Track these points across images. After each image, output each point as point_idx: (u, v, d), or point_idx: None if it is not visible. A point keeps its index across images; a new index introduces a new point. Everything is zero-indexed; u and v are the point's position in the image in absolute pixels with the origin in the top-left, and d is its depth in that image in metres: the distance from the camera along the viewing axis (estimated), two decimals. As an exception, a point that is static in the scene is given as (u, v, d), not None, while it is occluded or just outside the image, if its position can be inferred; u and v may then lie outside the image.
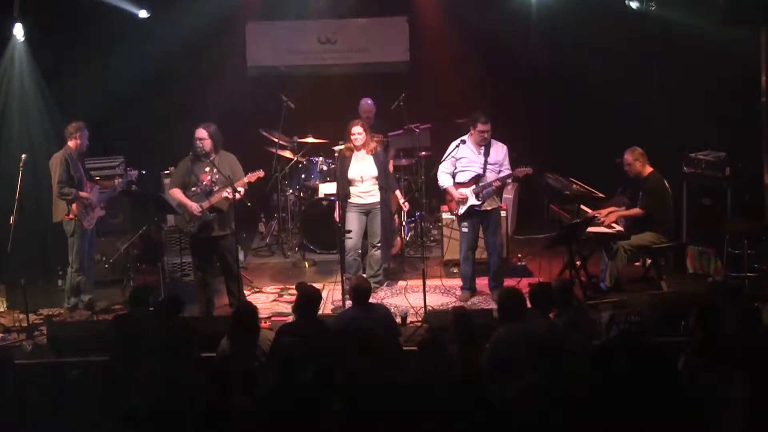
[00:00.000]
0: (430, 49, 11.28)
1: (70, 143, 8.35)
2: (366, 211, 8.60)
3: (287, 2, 11.21)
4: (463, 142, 8.40)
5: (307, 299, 6.46)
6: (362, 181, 8.53)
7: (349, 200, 8.58)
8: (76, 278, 8.40)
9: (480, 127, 8.30)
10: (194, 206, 7.94)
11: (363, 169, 8.54)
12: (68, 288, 8.45)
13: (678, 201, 9.00)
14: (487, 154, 8.36)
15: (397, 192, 8.75)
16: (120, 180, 9.01)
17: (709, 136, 9.33)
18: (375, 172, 8.52)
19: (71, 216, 8.25)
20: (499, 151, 8.40)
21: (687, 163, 9.13)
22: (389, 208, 8.69)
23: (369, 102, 10.19)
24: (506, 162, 8.41)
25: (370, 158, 8.55)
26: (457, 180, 8.45)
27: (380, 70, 11.44)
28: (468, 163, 8.38)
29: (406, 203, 8.79)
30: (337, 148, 9.14)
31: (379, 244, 8.66)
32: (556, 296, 6.54)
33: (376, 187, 8.55)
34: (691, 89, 9.68)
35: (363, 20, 11.51)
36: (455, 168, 8.44)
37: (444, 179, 8.49)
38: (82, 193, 8.30)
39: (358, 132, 8.51)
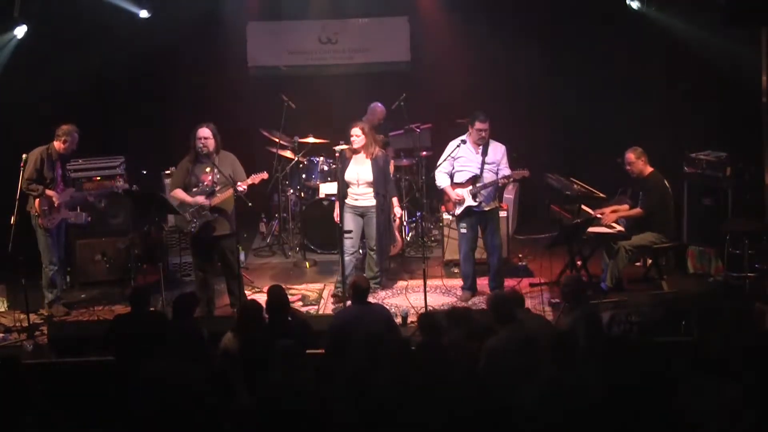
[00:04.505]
0: (430, 49, 11.27)
1: (56, 144, 8.37)
2: (360, 213, 8.54)
3: (288, 2, 11.22)
4: (464, 142, 8.38)
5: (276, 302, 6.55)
6: (357, 185, 8.47)
7: (346, 201, 8.54)
8: (49, 272, 8.43)
9: (478, 125, 8.26)
10: (200, 199, 7.95)
11: (359, 172, 8.45)
12: (44, 283, 8.46)
13: (679, 201, 9.00)
14: (485, 153, 8.33)
15: (395, 200, 8.63)
16: (115, 184, 9.05)
17: (709, 136, 9.34)
18: (370, 177, 8.41)
19: (33, 211, 8.28)
20: (497, 150, 8.37)
21: (688, 163, 9.13)
22: (386, 214, 8.59)
23: (381, 106, 10.18)
24: (504, 162, 8.36)
25: (369, 162, 8.44)
26: (454, 180, 8.43)
27: (381, 70, 11.44)
28: (465, 163, 8.36)
29: (402, 211, 8.73)
30: (338, 148, 9.13)
31: (375, 247, 8.64)
32: (568, 291, 6.55)
33: (371, 191, 8.47)
34: (691, 89, 9.68)
35: (364, 20, 11.50)
36: (453, 168, 8.42)
37: (441, 179, 8.47)
38: (49, 192, 8.31)
39: (356, 134, 8.42)
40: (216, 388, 5.67)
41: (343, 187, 8.54)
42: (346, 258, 8.39)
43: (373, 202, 8.48)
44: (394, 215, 8.64)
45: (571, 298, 6.55)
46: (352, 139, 8.46)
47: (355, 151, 8.48)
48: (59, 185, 8.46)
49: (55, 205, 8.36)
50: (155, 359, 5.75)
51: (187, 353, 5.85)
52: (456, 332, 6.06)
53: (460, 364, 5.62)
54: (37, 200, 8.28)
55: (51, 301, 8.49)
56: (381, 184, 8.47)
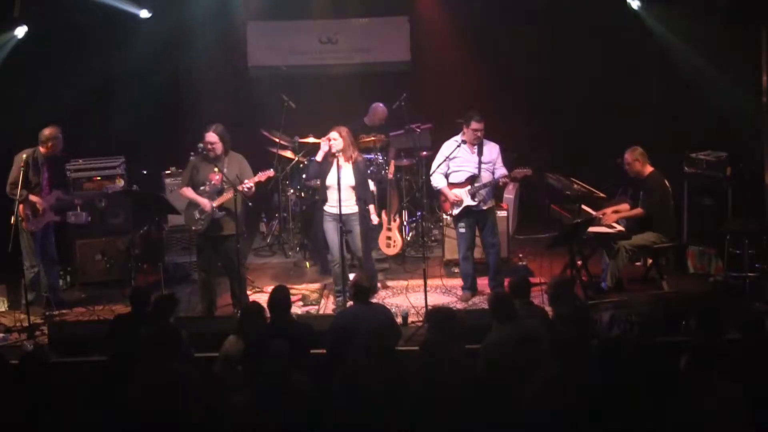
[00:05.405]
0: (431, 48, 11.28)
1: (41, 148, 8.35)
2: (342, 221, 8.27)
3: (288, 2, 11.21)
4: (464, 142, 8.38)
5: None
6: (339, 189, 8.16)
7: (325, 208, 8.30)
8: (30, 275, 8.39)
9: (474, 125, 8.26)
10: (206, 203, 7.96)
11: (341, 176, 8.10)
12: (26, 284, 8.36)
13: (679, 201, 9.00)
14: (480, 153, 8.33)
15: (371, 207, 8.40)
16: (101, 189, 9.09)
17: (709, 136, 9.34)
18: (353, 181, 8.22)
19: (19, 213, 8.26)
20: (492, 150, 8.37)
21: (688, 163, 9.14)
22: (368, 221, 8.41)
23: (383, 106, 10.16)
24: (499, 161, 8.39)
25: (349, 167, 8.24)
26: (450, 180, 8.42)
27: (381, 70, 11.43)
28: (462, 163, 8.35)
29: (378, 220, 8.58)
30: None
31: (362, 254, 8.46)
32: (556, 292, 6.57)
33: (352, 197, 8.25)
34: (691, 89, 9.68)
35: (364, 20, 11.50)
36: (448, 168, 8.41)
37: (438, 180, 8.44)
38: (32, 197, 8.28)
39: (333, 137, 8.19)
40: (202, 388, 5.66)
41: (323, 192, 8.33)
42: (335, 267, 8.26)
43: (354, 209, 8.24)
44: (371, 222, 8.46)
45: (557, 299, 6.55)
46: (330, 142, 8.29)
47: (334, 155, 8.24)
48: (45, 189, 8.43)
49: (40, 210, 8.34)
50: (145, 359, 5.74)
51: (165, 354, 5.79)
52: (438, 334, 6.01)
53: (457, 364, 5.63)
54: (21, 204, 8.22)
55: (31, 302, 8.33)
56: (362, 190, 8.32)
